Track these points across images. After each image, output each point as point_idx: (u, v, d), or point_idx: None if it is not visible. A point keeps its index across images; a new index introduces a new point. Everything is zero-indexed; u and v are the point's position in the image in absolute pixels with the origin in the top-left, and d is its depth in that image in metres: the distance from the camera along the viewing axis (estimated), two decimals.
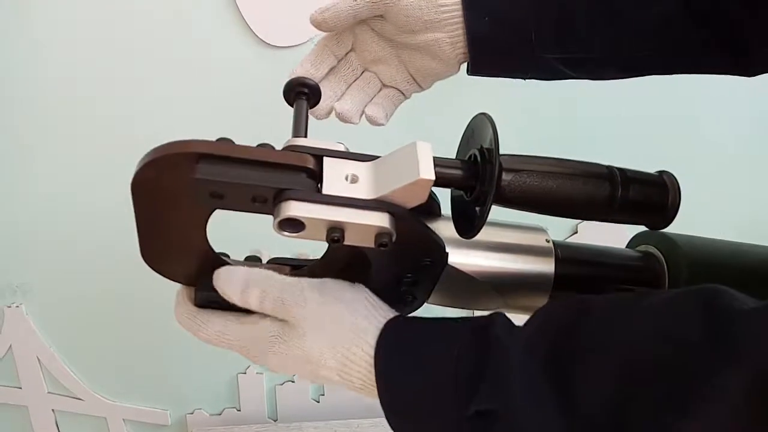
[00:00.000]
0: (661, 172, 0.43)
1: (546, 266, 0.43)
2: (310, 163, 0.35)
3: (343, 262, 0.40)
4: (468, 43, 0.47)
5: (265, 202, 0.34)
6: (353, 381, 0.37)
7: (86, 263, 1.02)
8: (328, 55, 0.50)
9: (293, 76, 0.44)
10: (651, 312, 0.32)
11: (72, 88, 0.94)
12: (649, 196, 0.41)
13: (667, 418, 0.28)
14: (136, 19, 0.92)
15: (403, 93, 0.52)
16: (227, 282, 0.38)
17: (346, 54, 0.51)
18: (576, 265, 0.45)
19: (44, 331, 1.06)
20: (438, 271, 0.39)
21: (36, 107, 0.95)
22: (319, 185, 0.35)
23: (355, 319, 0.37)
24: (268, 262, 0.42)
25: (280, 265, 0.41)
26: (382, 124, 0.50)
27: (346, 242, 0.34)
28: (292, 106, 0.42)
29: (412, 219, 0.36)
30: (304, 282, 0.39)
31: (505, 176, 0.38)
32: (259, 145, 0.35)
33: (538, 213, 0.41)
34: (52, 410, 1.11)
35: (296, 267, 0.41)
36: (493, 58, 0.48)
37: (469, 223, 0.39)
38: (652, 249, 0.48)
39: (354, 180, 0.36)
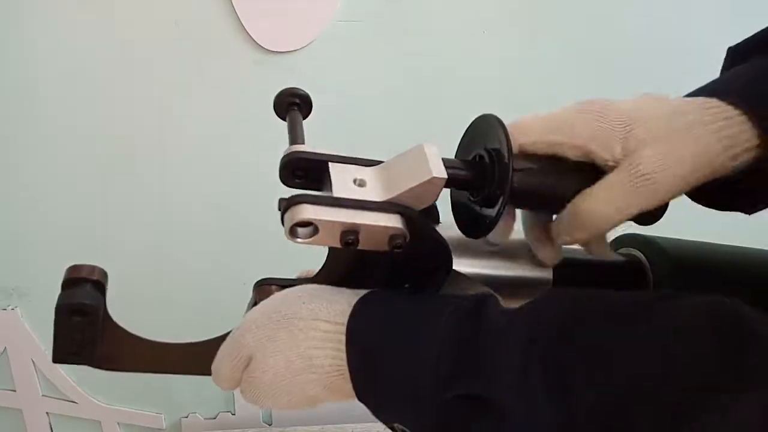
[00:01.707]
0: None
1: (545, 272, 0.43)
2: (316, 163, 0.35)
3: (336, 276, 0.39)
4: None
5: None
6: (330, 373, 0.35)
7: None
8: None
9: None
10: (660, 322, 0.29)
11: (71, 91, 0.94)
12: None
13: None
14: (135, 24, 0.93)
15: None
16: (218, 383, 0.39)
17: None
18: (570, 270, 0.45)
19: (39, 333, 1.06)
20: (443, 275, 0.38)
21: (34, 110, 0.95)
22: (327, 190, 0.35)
23: (304, 308, 0.36)
24: (255, 285, 0.40)
25: (267, 285, 0.40)
26: None
27: (361, 245, 0.34)
28: (284, 119, 0.41)
29: (423, 221, 0.36)
30: (248, 314, 0.38)
31: (517, 177, 0.36)
32: None
33: (540, 209, 0.40)
34: (47, 413, 1.11)
35: (284, 287, 0.40)
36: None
37: (477, 224, 0.38)
38: (635, 252, 0.48)
39: (362, 184, 0.35)
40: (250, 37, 0.93)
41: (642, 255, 0.47)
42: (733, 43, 0.44)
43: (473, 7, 0.96)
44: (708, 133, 0.35)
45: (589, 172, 0.38)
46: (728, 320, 0.27)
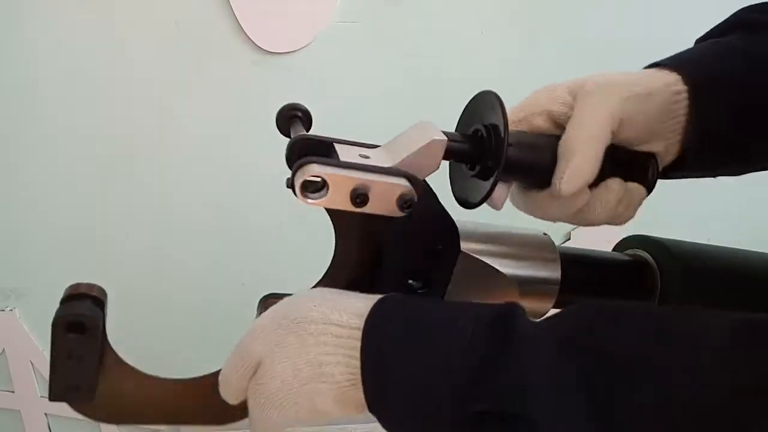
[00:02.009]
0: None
1: (553, 271, 0.43)
2: (321, 144, 0.36)
3: (346, 274, 0.39)
4: (691, 147, 0.42)
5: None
6: (340, 382, 0.33)
7: (80, 267, 1.02)
8: None
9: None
10: (696, 346, 0.29)
11: (71, 91, 0.95)
12: (633, 165, 0.42)
13: None
14: (135, 24, 0.93)
15: None
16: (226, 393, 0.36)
17: None
18: (578, 269, 0.45)
19: (38, 335, 1.06)
20: (451, 259, 0.39)
21: (34, 110, 0.96)
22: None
23: (312, 311, 0.34)
24: (260, 300, 0.40)
25: (273, 299, 0.39)
26: None
27: (370, 205, 0.34)
28: (287, 135, 0.41)
29: (426, 187, 0.37)
30: (249, 331, 0.36)
31: (511, 151, 0.38)
32: None
33: (536, 185, 0.42)
34: (45, 414, 1.11)
35: None
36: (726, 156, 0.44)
37: (474, 195, 0.40)
38: (641, 253, 0.48)
39: (367, 157, 0.37)
40: (249, 38, 0.94)
41: (649, 256, 0.48)
42: None
43: (472, 7, 0.96)
44: (642, 80, 0.41)
45: None
46: (762, 343, 0.27)
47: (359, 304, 0.34)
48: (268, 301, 0.39)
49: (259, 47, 0.94)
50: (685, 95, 0.41)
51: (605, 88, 0.40)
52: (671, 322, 0.30)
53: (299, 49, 0.94)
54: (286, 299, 0.37)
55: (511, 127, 0.40)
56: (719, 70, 0.42)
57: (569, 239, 1.09)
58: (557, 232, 1.08)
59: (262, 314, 0.37)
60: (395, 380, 0.32)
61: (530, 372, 0.29)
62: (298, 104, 0.42)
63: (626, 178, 0.42)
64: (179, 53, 0.94)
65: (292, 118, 0.41)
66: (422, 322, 0.33)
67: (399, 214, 0.35)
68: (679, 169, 0.44)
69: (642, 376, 0.28)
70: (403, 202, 0.35)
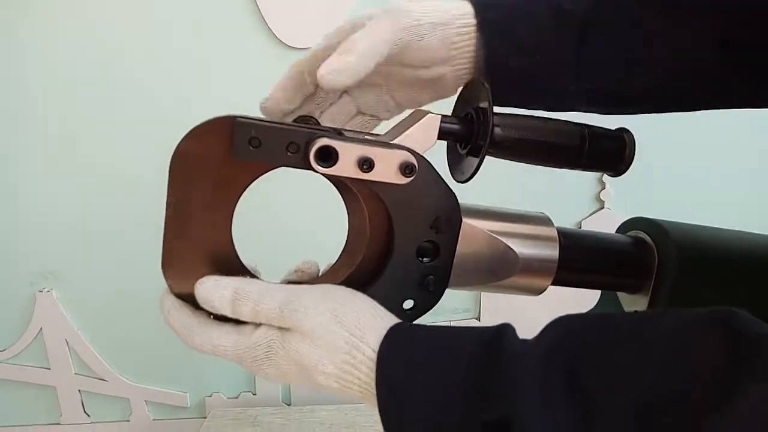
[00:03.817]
0: (620, 129, 0.47)
1: (551, 250, 0.46)
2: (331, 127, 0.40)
3: (361, 253, 0.41)
4: (485, 74, 0.44)
5: (297, 151, 0.36)
6: (352, 387, 0.35)
7: (114, 251, 1.06)
8: (303, 83, 0.44)
9: (264, 106, 0.44)
10: (670, 338, 0.30)
11: (107, 84, 0.98)
12: (610, 148, 0.46)
13: None
14: (158, 20, 0.96)
15: (378, 119, 0.48)
16: (213, 293, 0.37)
17: None
18: (577, 249, 0.47)
19: (73, 315, 1.10)
20: (455, 228, 0.42)
21: (72, 101, 0.99)
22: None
23: (357, 322, 0.36)
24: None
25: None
26: None
27: (374, 173, 0.37)
28: None
29: (427, 163, 0.40)
30: (303, 288, 0.38)
31: (497, 131, 0.43)
32: None
33: (521, 161, 0.46)
34: (79, 390, 1.15)
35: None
36: (510, 90, 0.45)
37: (463, 170, 0.44)
38: (642, 235, 0.50)
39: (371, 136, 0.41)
40: (274, 34, 0.97)
41: (648, 237, 0.49)
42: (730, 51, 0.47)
43: None
44: (436, 10, 0.43)
45: (563, 131, 0.45)
46: (731, 325, 0.29)
47: (384, 324, 0.36)
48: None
49: (284, 43, 0.96)
50: (472, 29, 0.43)
51: (393, 14, 0.42)
52: (641, 324, 0.33)
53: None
54: (340, 292, 0.38)
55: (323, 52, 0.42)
56: (514, 7, 0.44)
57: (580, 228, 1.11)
58: (568, 222, 1.11)
59: (310, 289, 0.38)
60: (408, 402, 0.33)
61: (519, 378, 0.31)
62: (308, 116, 0.45)
63: (599, 168, 0.47)
64: (202, 50, 0.97)
65: None
66: (428, 350, 0.35)
67: (403, 180, 0.38)
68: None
69: (613, 371, 0.30)
70: (405, 167, 0.38)
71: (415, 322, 0.41)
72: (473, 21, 0.43)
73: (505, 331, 0.34)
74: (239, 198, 0.39)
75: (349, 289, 0.39)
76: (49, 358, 1.12)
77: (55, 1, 0.94)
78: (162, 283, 0.40)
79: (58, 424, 1.17)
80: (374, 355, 0.35)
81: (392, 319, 0.37)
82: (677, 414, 0.27)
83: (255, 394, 1.17)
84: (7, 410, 1.17)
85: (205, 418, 1.15)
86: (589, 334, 0.33)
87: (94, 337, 1.12)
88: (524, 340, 0.34)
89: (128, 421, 1.18)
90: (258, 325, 0.37)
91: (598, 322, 0.34)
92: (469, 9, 0.43)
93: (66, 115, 1.00)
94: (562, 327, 0.34)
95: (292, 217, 1.03)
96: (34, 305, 1.09)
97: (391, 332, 0.36)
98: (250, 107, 1.08)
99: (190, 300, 0.39)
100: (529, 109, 0.47)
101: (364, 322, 0.36)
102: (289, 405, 1.18)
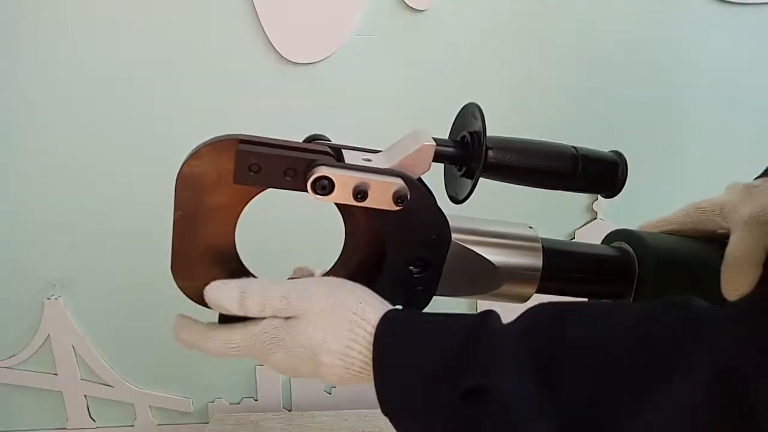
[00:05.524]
0: (613, 152, 0.49)
1: (536, 260, 0.48)
2: (332, 150, 0.42)
3: (357, 257, 0.44)
4: None
5: (296, 175, 0.39)
6: (354, 364, 0.38)
7: (120, 260, 1.08)
8: None
9: None
10: (629, 316, 0.34)
11: (111, 91, 0.99)
12: (603, 171, 0.48)
13: (633, 407, 0.29)
14: (158, 31, 0.96)
15: None
16: (221, 294, 0.39)
17: None
18: (560, 257, 0.50)
19: (80, 322, 1.12)
20: (444, 247, 0.44)
21: (75, 108, 1.00)
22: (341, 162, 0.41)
23: (359, 303, 0.39)
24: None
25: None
26: None
27: (368, 201, 0.39)
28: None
29: (419, 185, 0.42)
30: (305, 280, 0.41)
31: (491, 153, 0.45)
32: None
33: (515, 183, 0.47)
34: (85, 396, 1.16)
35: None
36: None
37: (460, 191, 0.46)
38: (624, 245, 0.52)
39: (369, 160, 0.42)
40: (274, 48, 0.97)
41: (630, 247, 0.52)
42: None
43: (490, 21, 0.98)
44: None
45: (555, 153, 0.46)
46: (684, 305, 0.33)
47: (383, 307, 0.40)
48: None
49: (285, 58, 0.97)
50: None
51: (758, 226, 0.46)
52: (611, 306, 0.37)
53: (324, 59, 0.98)
54: (341, 282, 0.41)
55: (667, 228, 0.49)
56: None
57: (573, 239, 1.13)
58: (561, 232, 1.12)
59: (316, 280, 0.41)
60: (399, 379, 0.37)
61: (498, 350, 0.35)
62: (319, 135, 0.48)
63: (592, 190, 0.48)
64: (202, 63, 0.98)
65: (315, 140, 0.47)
66: (420, 327, 0.39)
67: (395, 208, 0.41)
68: None
69: (580, 344, 0.34)
70: (397, 197, 0.40)
71: None
72: None
73: (489, 314, 0.38)
74: (243, 209, 0.42)
75: (349, 281, 0.42)
76: (56, 364, 1.14)
77: (55, 4, 0.95)
78: (168, 292, 0.43)
79: (64, 428, 1.19)
80: (373, 333, 0.38)
81: (390, 306, 0.41)
82: (635, 376, 0.30)
83: (257, 400, 1.19)
84: (15, 414, 1.18)
85: (207, 423, 1.16)
86: (563, 314, 0.36)
87: (100, 343, 1.14)
88: (503, 323, 0.38)
89: (132, 426, 1.20)
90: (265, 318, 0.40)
91: (573, 305, 0.38)
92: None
93: (72, 125, 1.01)
94: (540, 309, 0.37)
95: (289, 224, 1.05)
96: (42, 313, 1.11)
97: (390, 312, 0.39)
98: (249, 117, 1.09)
99: (199, 299, 0.42)
100: None
101: (365, 304, 0.39)
102: (290, 410, 1.19)
